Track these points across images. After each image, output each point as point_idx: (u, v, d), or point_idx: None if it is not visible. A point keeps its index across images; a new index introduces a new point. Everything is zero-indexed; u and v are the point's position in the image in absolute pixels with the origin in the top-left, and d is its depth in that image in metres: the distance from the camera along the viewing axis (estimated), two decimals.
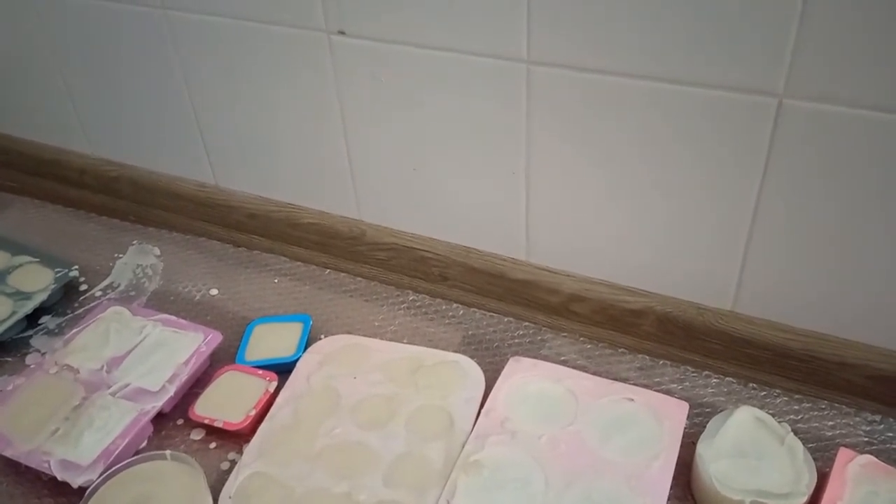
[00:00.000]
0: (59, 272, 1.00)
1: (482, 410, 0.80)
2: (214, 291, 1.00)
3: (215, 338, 0.89)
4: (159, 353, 0.87)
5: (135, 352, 0.88)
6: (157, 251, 1.07)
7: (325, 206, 1.00)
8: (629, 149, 0.77)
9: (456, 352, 0.88)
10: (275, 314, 0.94)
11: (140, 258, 1.06)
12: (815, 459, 0.71)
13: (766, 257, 0.77)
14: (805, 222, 0.73)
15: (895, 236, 0.70)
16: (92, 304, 0.99)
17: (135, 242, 1.08)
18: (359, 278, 1.00)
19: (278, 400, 0.83)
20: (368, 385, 0.84)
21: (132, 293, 1.00)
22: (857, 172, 0.68)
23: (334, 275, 1.01)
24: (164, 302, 0.98)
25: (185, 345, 0.88)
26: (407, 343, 0.90)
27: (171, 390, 0.84)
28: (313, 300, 0.97)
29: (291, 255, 1.04)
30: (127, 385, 0.84)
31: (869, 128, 0.66)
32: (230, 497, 0.75)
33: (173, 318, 0.91)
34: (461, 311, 0.95)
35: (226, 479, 0.77)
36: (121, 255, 1.06)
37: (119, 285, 1.02)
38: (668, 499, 0.71)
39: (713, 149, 0.73)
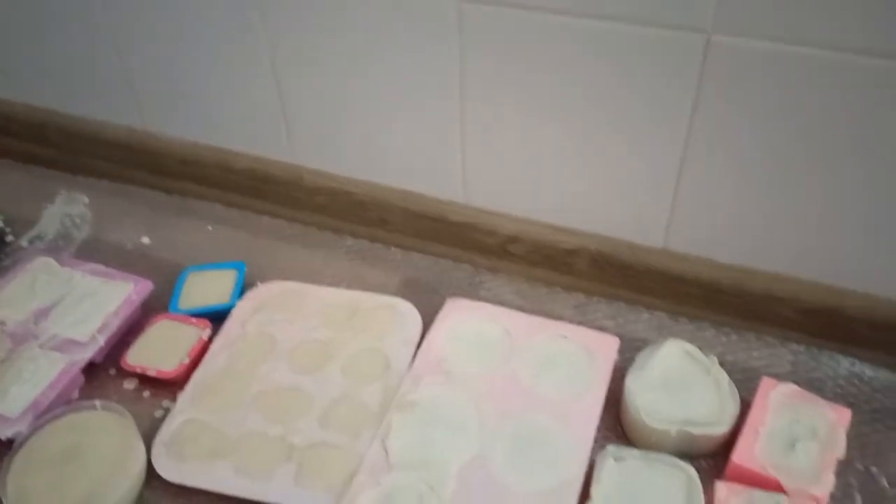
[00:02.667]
0: None
1: (418, 352, 0.81)
2: (146, 240, 0.98)
3: (146, 286, 0.87)
4: (88, 303, 0.85)
5: (63, 302, 0.86)
6: (85, 199, 1.03)
7: (260, 151, 0.98)
8: (562, 88, 0.76)
9: (394, 295, 0.87)
10: (209, 262, 0.92)
11: (68, 207, 1.02)
12: (741, 390, 0.73)
13: (697, 195, 0.78)
14: (734, 160, 0.74)
15: (822, 172, 0.71)
16: (19, 255, 0.95)
17: (63, 191, 1.05)
18: (296, 224, 0.99)
19: (212, 347, 0.82)
20: (305, 330, 0.84)
21: (60, 243, 0.97)
22: (785, 109, 0.69)
23: (270, 221, 0.99)
24: (94, 252, 0.96)
25: (115, 294, 0.86)
26: (345, 288, 0.90)
27: (101, 340, 0.82)
28: (249, 247, 0.96)
29: (226, 201, 1.02)
30: (55, 336, 0.82)
31: (796, 64, 0.66)
32: (164, 444, 0.74)
33: (102, 267, 0.89)
34: (399, 255, 0.95)
35: (160, 427, 0.76)
36: (48, 205, 1.03)
37: (47, 235, 0.99)
38: (598, 431, 0.73)
39: (644, 87, 0.73)
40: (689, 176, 0.77)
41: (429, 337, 0.82)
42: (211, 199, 1.02)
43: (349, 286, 0.90)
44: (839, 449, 0.67)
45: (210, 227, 0.99)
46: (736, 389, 0.72)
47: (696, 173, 0.76)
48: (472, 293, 0.89)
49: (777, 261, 0.79)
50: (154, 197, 1.04)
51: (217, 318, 0.85)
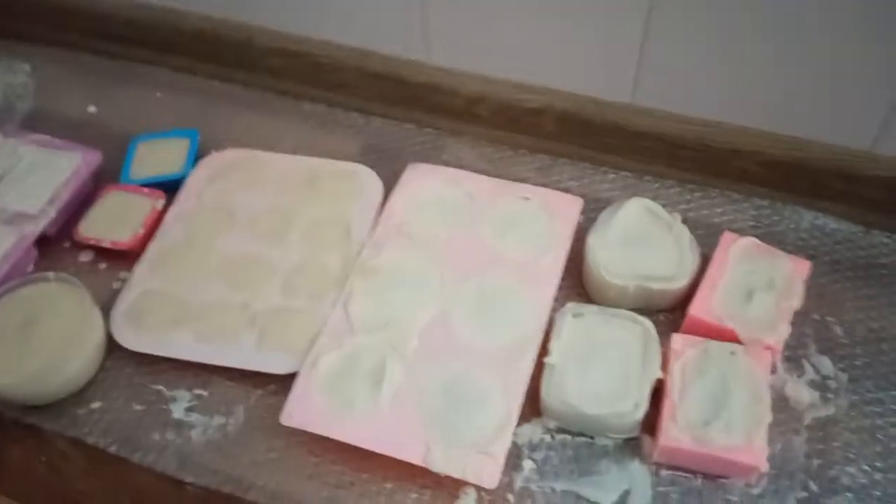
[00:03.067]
0: None
1: (380, 218, 0.79)
2: (93, 109, 0.93)
3: (95, 157, 0.84)
4: (36, 175, 0.82)
5: (9, 175, 0.83)
6: (27, 68, 0.98)
7: (208, 9, 0.92)
8: None
9: (355, 162, 0.85)
10: (159, 130, 0.89)
11: (9, 76, 0.97)
12: (705, 246, 0.73)
13: (663, 47, 0.75)
14: (701, 12, 0.70)
15: (787, 23, 0.68)
16: None
17: (2, 59, 0.99)
18: (250, 89, 0.94)
19: (167, 217, 0.80)
20: (263, 198, 0.82)
21: (2, 115, 0.93)
22: None
23: (223, 86, 0.95)
24: (39, 122, 0.91)
25: (63, 165, 0.83)
26: (304, 155, 0.87)
27: (52, 212, 0.80)
28: (201, 114, 0.91)
29: (174, 65, 0.96)
30: (4, 209, 0.80)
31: None
32: (122, 314, 0.74)
33: (48, 138, 0.86)
34: (360, 120, 0.91)
35: (118, 299, 0.75)
36: None
37: None
38: (560, 289, 0.73)
39: None
40: (655, 27, 0.73)
41: (390, 202, 0.80)
42: (159, 63, 0.97)
43: (308, 153, 0.87)
44: (795, 299, 0.68)
45: (159, 94, 0.94)
46: (696, 245, 0.72)
47: (663, 25, 0.73)
48: (435, 157, 0.86)
49: (742, 113, 0.77)
50: (99, 63, 0.98)
51: (170, 188, 0.82)
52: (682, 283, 0.69)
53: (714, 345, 0.65)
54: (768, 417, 0.61)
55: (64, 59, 0.99)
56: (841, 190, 0.78)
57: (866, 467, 0.62)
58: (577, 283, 0.75)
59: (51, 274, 0.74)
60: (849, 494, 0.61)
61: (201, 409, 0.70)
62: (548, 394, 0.64)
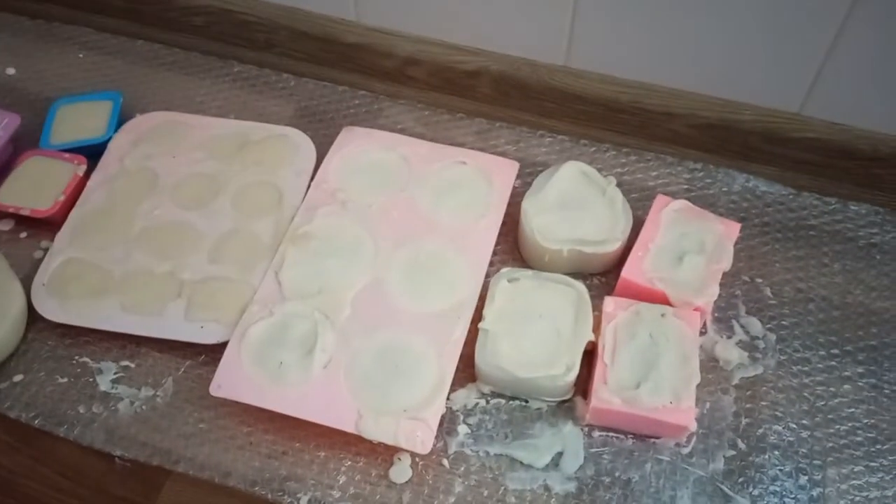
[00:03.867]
0: None
1: (312, 183, 0.77)
2: (11, 70, 0.89)
3: (13, 120, 0.80)
4: None
5: None
6: None
7: None
8: None
9: (288, 125, 0.83)
10: (81, 93, 0.85)
11: None
12: (639, 209, 0.73)
13: (596, 8, 0.74)
14: None
15: None
16: None
17: None
18: (175, 49, 0.91)
19: (90, 184, 0.77)
20: (189, 164, 0.79)
21: None
22: None
23: (147, 46, 0.91)
24: None
25: None
26: (234, 119, 0.84)
27: None
28: (125, 75, 0.88)
29: (97, 25, 0.92)
30: None
31: None
32: (43, 284, 0.71)
33: None
34: (292, 82, 0.89)
35: (38, 268, 0.72)
36: None
37: None
38: (495, 254, 0.73)
39: None
40: None
41: (323, 167, 0.78)
42: (79, 22, 0.93)
43: (238, 116, 0.85)
44: (725, 261, 0.68)
45: (81, 55, 0.90)
46: (629, 208, 0.72)
47: None
48: (372, 121, 0.85)
49: (674, 76, 0.77)
50: (17, 22, 0.93)
51: (92, 153, 0.79)
52: (614, 246, 0.69)
53: (644, 307, 0.65)
54: (697, 378, 0.62)
55: None
56: (772, 153, 0.79)
57: (793, 425, 0.64)
58: (512, 248, 0.75)
59: None
60: (776, 452, 0.63)
61: (128, 380, 0.68)
62: (482, 359, 0.64)
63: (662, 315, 0.65)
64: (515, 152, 0.82)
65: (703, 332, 0.67)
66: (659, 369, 0.62)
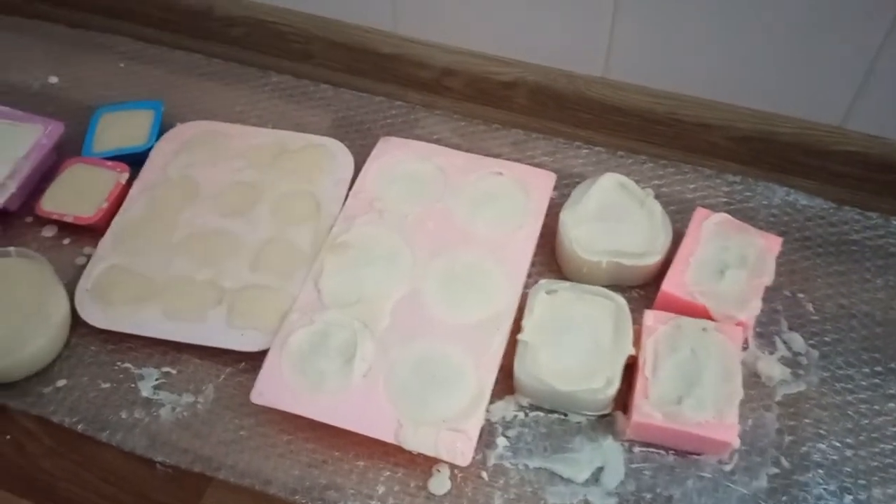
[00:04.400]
0: None
1: (350, 192, 0.78)
2: (54, 79, 0.90)
3: (57, 129, 0.82)
4: None
5: None
6: None
7: None
8: None
9: (325, 135, 0.83)
10: (122, 101, 0.86)
11: None
12: (677, 222, 0.73)
13: (635, 19, 0.74)
14: None
15: None
16: None
17: None
18: (214, 59, 0.92)
19: (132, 191, 0.78)
20: (229, 172, 0.80)
21: None
22: None
23: (186, 56, 0.92)
24: None
25: (24, 137, 0.81)
26: (272, 129, 0.85)
27: (13, 186, 0.77)
28: (165, 85, 0.89)
29: (137, 34, 0.94)
30: None
31: None
32: (87, 290, 0.72)
33: (8, 109, 0.83)
34: (329, 93, 0.89)
35: (81, 275, 0.73)
36: None
37: None
38: (533, 265, 0.73)
39: None
40: (627, 1, 0.72)
41: (360, 177, 0.79)
42: (121, 32, 0.94)
43: (276, 126, 0.85)
44: (767, 276, 0.68)
45: (122, 64, 0.91)
46: (669, 220, 0.72)
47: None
48: (408, 132, 0.85)
49: (712, 88, 0.77)
50: (59, 32, 0.95)
51: (134, 161, 0.80)
52: (654, 259, 0.69)
53: (686, 321, 0.65)
54: (740, 394, 0.61)
55: (22, 28, 0.95)
56: (812, 166, 0.78)
57: (837, 443, 0.63)
58: (550, 259, 0.75)
59: (12, 249, 0.72)
60: (820, 471, 0.62)
61: (170, 387, 0.68)
62: (521, 370, 0.64)
63: (704, 329, 0.64)
64: (552, 163, 0.82)
65: (744, 348, 0.66)
66: (701, 384, 0.61)
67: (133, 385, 0.68)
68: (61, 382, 0.69)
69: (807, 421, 0.64)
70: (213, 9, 0.89)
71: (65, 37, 0.94)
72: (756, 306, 0.66)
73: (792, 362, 0.67)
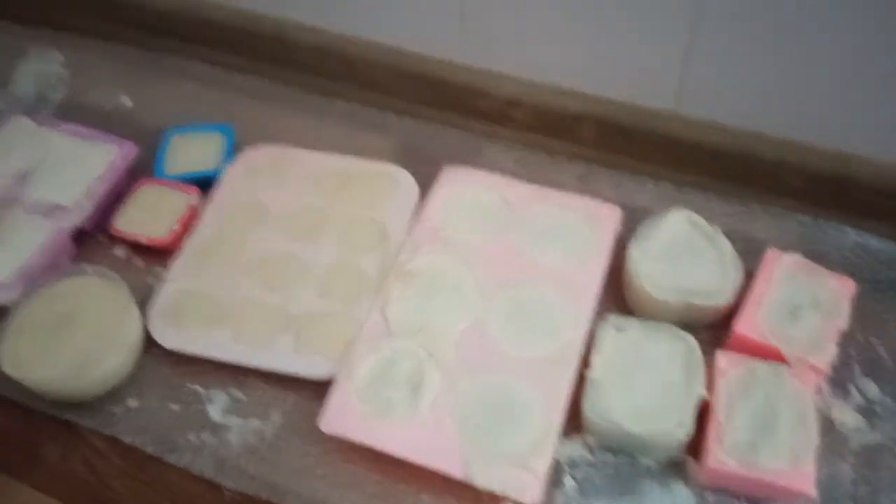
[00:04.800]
0: None
1: (415, 221, 0.78)
2: (126, 100, 0.92)
3: (131, 150, 0.83)
4: (71, 167, 0.82)
5: (44, 165, 0.82)
6: (60, 58, 0.97)
7: (240, 2, 0.91)
8: None
9: (389, 162, 0.84)
10: (192, 123, 0.88)
11: (42, 66, 0.96)
12: (746, 261, 0.72)
13: (709, 55, 0.74)
14: (750, 17, 0.69)
15: (839, 35, 0.67)
16: None
17: (35, 48, 0.98)
18: (282, 84, 0.93)
19: (202, 214, 0.80)
20: (297, 196, 0.81)
21: (36, 104, 0.92)
22: None
23: (257, 81, 0.93)
24: (72, 113, 0.90)
25: (99, 158, 0.83)
26: (337, 154, 0.86)
27: (88, 206, 0.79)
28: (234, 108, 0.90)
29: (207, 58, 0.95)
30: (39, 201, 0.79)
31: None
32: (159, 311, 0.73)
33: (83, 128, 0.85)
34: (394, 120, 0.90)
35: (154, 295, 0.74)
36: (21, 63, 0.96)
37: (21, 96, 0.93)
38: (600, 301, 0.72)
39: None
40: (703, 32, 0.72)
41: (426, 205, 0.79)
42: (192, 56, 0.96)
43: (341, 152, 0.86)
44: (842, 319, 0.67)
45: (193, 87, 0.93)
46: (740, 260, 0.71)
47: (710, 30, 0.72)
48: (471, 161, 0.85)
49: (786, 126, 0.76)
50: (132, 54, 0.97)
51: (205, 183, 0.82)
52: (725, 299, 0.68)
53: (760, 364, 0.64)
54: (816, 441, 0.60)
55: (97, 50, 0.98)
56: (885, 207, 0.77)
57: None
58: (615, 295, 0.74)
59: (89, 268, 0.73)
60: None
61: (238, 411, 0.69)
62: (590, 409, 0.63)
63: (778, 373, 0.64)
64: (616, 197, 0.81)
65: (818, 393, 0.65)
66: (776, 431, 0.60)
67: (201, 407, 0.69)
68: (132, 402, 0.70)
69: (883, 472, 0.63)
70: (286, 35, 0.90)
71: (139, 60, 0.96)
72: (831, 351, 0.65)
73: (867, 411, 0.66)
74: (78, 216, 0.78)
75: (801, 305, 0.67)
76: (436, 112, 0.90)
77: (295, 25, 0.90)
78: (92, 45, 0.98)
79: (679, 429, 0.61)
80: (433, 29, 0.84)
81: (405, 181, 0.82)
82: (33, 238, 0.77)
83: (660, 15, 0.73)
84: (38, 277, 0.74)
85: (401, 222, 0.78)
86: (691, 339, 0.66)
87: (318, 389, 0.69)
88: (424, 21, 0.84)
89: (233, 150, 0.85)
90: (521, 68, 0.84)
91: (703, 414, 0.63)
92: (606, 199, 0.80)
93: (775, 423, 0.61)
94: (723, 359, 0.65)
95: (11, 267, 0.75)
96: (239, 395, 0.70)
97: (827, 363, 0.65)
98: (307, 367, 0.69)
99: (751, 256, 0.73)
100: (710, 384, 0.64)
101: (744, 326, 0.66)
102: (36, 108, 0.91)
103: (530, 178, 0.82)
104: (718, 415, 0.62)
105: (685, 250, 0.72)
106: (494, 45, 0.83)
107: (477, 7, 0.80)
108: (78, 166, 0.82)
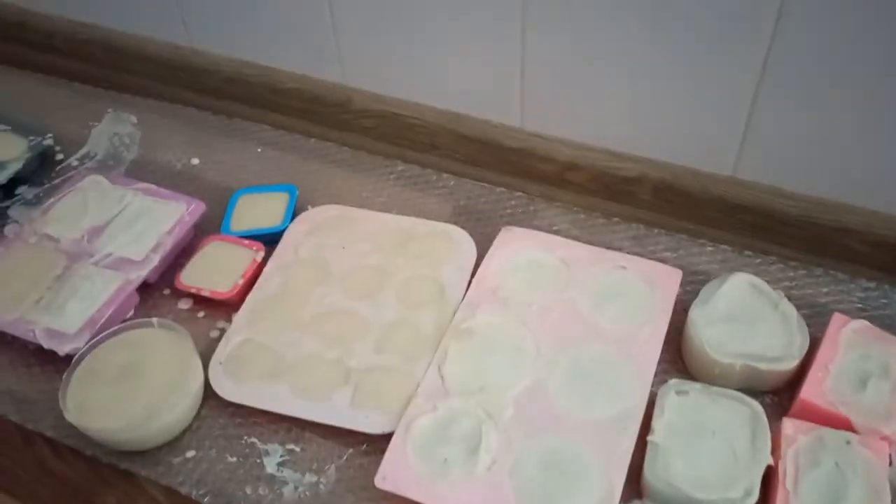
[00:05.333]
0: (32, 140, 0.95)
1: (473, 280, 0.79)
2: (195, 161, 0.96)
3: (199, 207, 0.86)
4: (141, 222, 0.85)
5: (116, 221, 0.85)
6: (133, 119, 1.02)
7: (308, 70, 0.95)
8: (629, 4, 0.72)
9: (447, 223, 0.85)
10: (259, 184, 0.91)
11: (116, 126, 1.01)
12: (808, 326, 0.71)
13: (771, 120, 0.74)
14: (813, 83, 0.70)
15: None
16: (69, 174, 0.95)
17: (110, 110, 1.03)
18: (345, 147, 0.96)
19: (266, 269, 0.82)
20: (358, 255, 0.82)
21: (110, 162, 0.97)
22: (869, 32, 0.64)
23: (319, 143, 0.97)
24: (144, 171, 0.95)
25: (168, 214, 0.85)
26: (396, 214, 0.88)
27: (156, 259, 0.82)
28: (298, 170, 0.94)
29: (273, 122, 0.99)
30: (110, 254, 0.82)
31: None
32: (220, 363, 0.74)
33: (154, 187, 0.88)
34: (452, 182, 0.92)
35: (215, 348, 0.76)
36: (96, 124, 1.02)
37: (96, 154, 0.98)
38: (659, 364, 0.71)
39: (720, 2, 0.68)
40: (765, 99, 0.73)
41: (484, 265, 0.80)
42: (258, 119, 1.00)
43: (400, 212, 0.88)
44: None
45: (259, 149, 0.97)
46: (805, 324, 0.70)
47: (773, 97, 0.72)
48: (527, 222, 0.87)
49: (848, 191, 0.76)
50: (201, 117, 1.02)
51: (269, 240, 0.84)
52: (791, 364, 0.67)
53: (828, 432, 0.62)
54: None
55: (167, 112, 1.03)
56: None
57: None
58: (675, 358, 0.74)
59: (154, 320, 0.75)
60: None
61: (293, 464, 0.69)
62: (652, 474, 0.62)
63: (848, 442, 0.62)
64: (674, 259, 0.82)
65: (890, 465, 0.63)
66: (847, 502, 0.58)
67: (258, 460, 0.70)
68: (190, 453, 0.71)
69: None
70: (352, 101, 0.93)
71: (208, 122, 1.01)
72: None
73: None
74: (145, 269, 0.81)
75: (870, 373, 0.66)
76: (494, 174, 0.92)
77: (359, 92, 0.93)
78: (165, 108, 1.03)
79: (746, 497, 0.59)
80: (492, 95, 0.87)
81: (464, 241, 0.83)
82: (102, 290, 0.79)
83: (720, 82, 0.74)
84: (105, 328, 0.76)
85: (459, 281, 0.79)
86: (756, 405, 0.65)
87: (375, 445, 0.69)
88: (484, 88, 0.86)
89: (296, 210, 0.87)
90: (579, 132, 0.86)
91: (767, 482, 0.62)
92: (664, 261, 0.80)
93: (846, 494, 0.59)
94: (790, 426, 0.63)
95: (80, 318, 0.77)
96: (295, 448, 0.70)
97: None
98: (364, 422, 0.69)
99: (814, 321, 0.72)
100: (774, 451, 0.62)
101: (810, 393, 0.65)
102: (109, 166, 0.96)
103: (588, 239, 0.83)
104: (786, 483, 0.60)
105: (747, 314, 0.71)
106: (554, 112, 0.85)
107: (535, 74, 0.82)
108: (148, 222, 0.85)
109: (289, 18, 0.91)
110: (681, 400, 0.66)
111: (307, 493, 0.67)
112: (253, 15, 0.93)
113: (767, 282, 0.74)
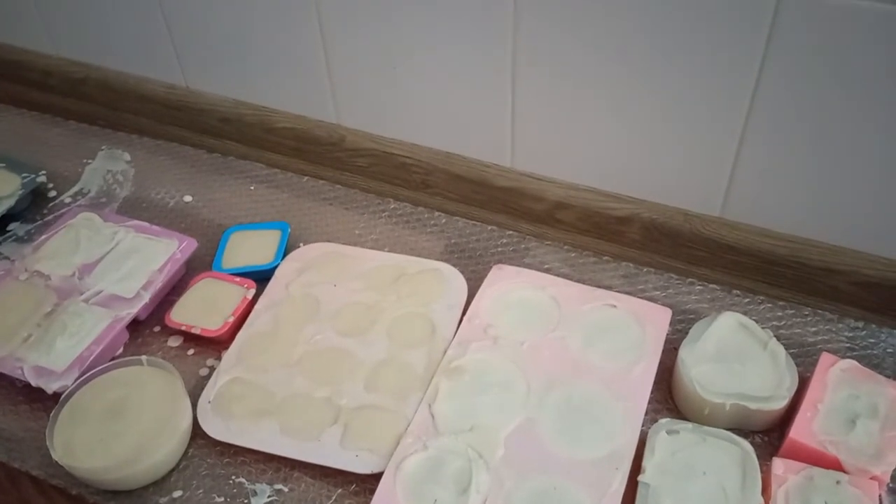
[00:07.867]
0: (25, 178, 0.96)
1: (464, 318, 0.79)
2: (188, 198, 0.97)
3: (190, 245, 0.86)
4: (132, 259, 0.85)
5: (107, 258, 0.85)
6: (127, 157, 1.03)
7: (302, 110, 0.96)
8: (619, 47, 0.73)
9: (438, 260, 0.86)
10: (251, 222, 0.92)
11: (110, 164, 1.02)
12: (797, 365, 0.71)
13: (758, 162, 0.75)
14: (799, 125, 0.71)
15: (889, 142, 0.69)
16: (61, 211, 0.95)
17: (104, 147, 1.04)
18: (338, 186, 0.97)
19: (257, 307, 0.82)
20: (349, 293, 0.83)
21: (103, 200, 0.97)
22: (855, 73, 0.66)
23: (312, 182, 0.98)
24: (137, 209, 0.95)
25: (160, 251, 0.86)
26: (388, 252, 0.88)
27: (146, 297, 0.82)
28: (291, 208, 0.94)
29: (267, 161, 1.00)
30: (100, 292, 0.82)
31: (869, 22, 0.63)
32: (209, 402, 0.74)
33: (146, 224, 0.89)
34: (443, 220, 0.93)
35: (205, 386, 0.76)
36: (90, 161, 1.02)
37: (89, 191, 0.98)
38: (649, 403, 0.71)
39: (707, 46, 0.70)
40: (751, 141, 0.74)
41: (475, 303, 0.80)
42: (252, 158, 1.01)
43: (392, 250, 0.89)
44: None
45: (252, 187, 0.98)
46: (794, 364, 0.70)
47: (758, 139, 0.74)
48: (518, 260, 0.87)
49: (835, 232, 0.77)
50: (195, 155, 1.03)
51: (260, 278, 0.84)
52: (781, 403, 0.67)
53: (818, 472, 0.62)
54: None
55: (162, 150, 1.03)
56: None
57: None
58: (665, 397, 0.74)
59: (144, 358, 0.75)
60: None
61: None
62: None
63: (837, 482, 0.62)
64: (664, 298, 0.82)
65: None
66: None
67: (246, 501, 0.69)
68: (177, 493, 0.70)
69: None
70: (345, 140, 0.94)
71: (202, 160, 1.02)
72: (892, 461, 0.63)
73: None
74: (135, 307, 0.81)
75: (859, 412, 0.66)
76: (485, 213, 0.92)
77: (352, 131, 0.95)
78: (159, 146, 1.04)
79: None
80: (484, 135, 0.88)
81: (454, 279, 0.83)
82: (91, 327, 0.79)
83: (708, 124, 0.75)
84: (94, 366, 0.76)
85: (450, 319, 0.79)
86: (746, 444, 0.65)
87: (364, 485, 0.68)
88: (476, 128, 0.87)
89: (288, 247, 0.88)
90: (569, 172, 0.87)
91: None
92: (653, 300, 0.80)
93: None
94: (780, 465, 0.63)
95: (69, 355, 0.77)
96: (283, 489, 0.69)
97: (888, 473, 0.63)
98: (354, 462, 0.69)
99: (802, 361, 0.73)
100: (765, 491, 0.62)
101: (799, 433, 0.65)
102: (102, 204, 0.96)
103: (578, 277, 0.84)
104: None
105: (737, 353, 0.72)
106: (545, 152, 0.86)
107: (526, 116, 0.84)
108: (139, 259, 0.85)
109: (283, 59, 0.92)
110: (671, 439, 0.66)
111: None
112: (248, 55, 0.94)
113: (756, 321, 0.75)
